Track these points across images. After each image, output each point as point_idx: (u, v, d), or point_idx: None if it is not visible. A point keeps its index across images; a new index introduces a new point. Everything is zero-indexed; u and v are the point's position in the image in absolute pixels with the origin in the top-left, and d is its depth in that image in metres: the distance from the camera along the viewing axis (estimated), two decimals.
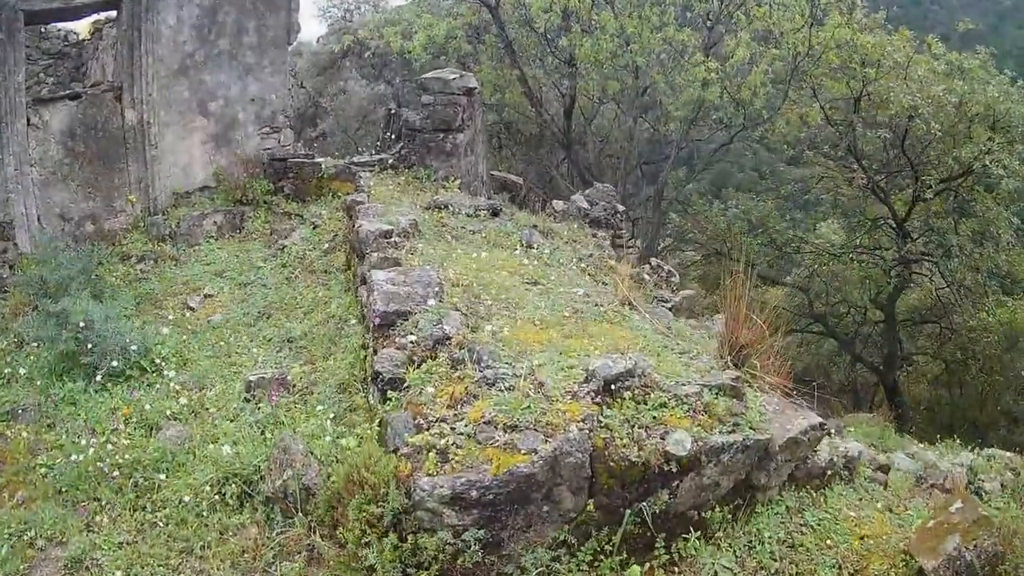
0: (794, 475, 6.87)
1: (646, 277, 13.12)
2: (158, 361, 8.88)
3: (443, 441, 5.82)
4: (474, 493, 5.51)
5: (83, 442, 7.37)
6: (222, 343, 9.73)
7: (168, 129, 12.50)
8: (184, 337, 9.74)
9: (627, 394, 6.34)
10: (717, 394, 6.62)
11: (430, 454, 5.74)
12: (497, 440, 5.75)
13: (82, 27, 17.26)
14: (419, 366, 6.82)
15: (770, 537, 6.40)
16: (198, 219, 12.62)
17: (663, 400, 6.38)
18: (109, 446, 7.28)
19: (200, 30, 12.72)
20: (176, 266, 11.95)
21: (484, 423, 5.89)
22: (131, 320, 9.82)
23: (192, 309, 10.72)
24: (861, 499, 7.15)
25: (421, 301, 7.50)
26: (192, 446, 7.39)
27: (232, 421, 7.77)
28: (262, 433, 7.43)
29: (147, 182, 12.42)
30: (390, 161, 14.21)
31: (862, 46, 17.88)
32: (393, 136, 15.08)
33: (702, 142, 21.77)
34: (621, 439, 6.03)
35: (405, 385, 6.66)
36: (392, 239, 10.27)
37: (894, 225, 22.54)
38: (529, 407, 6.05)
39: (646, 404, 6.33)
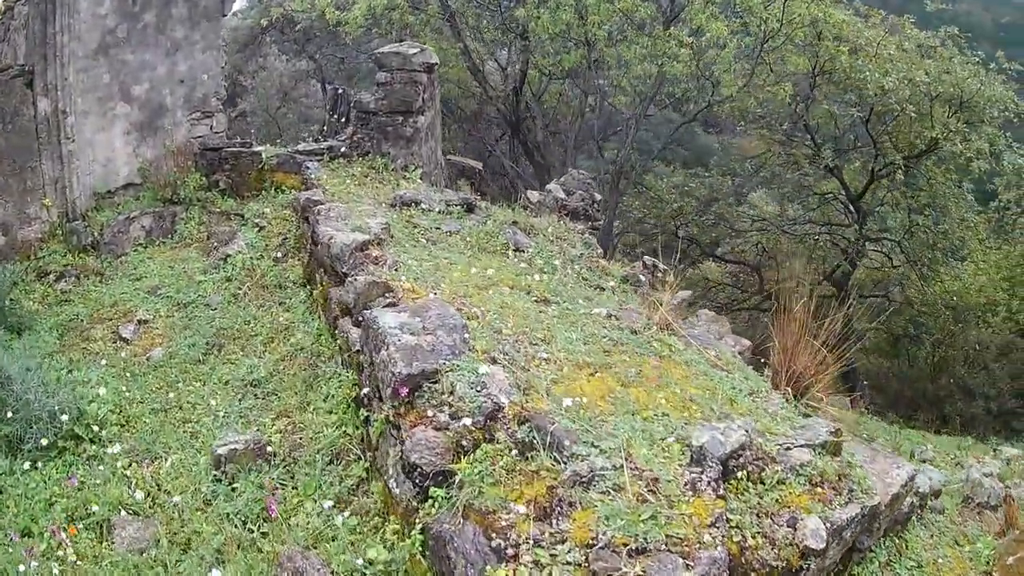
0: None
1: (641, 278, 11.51)
2: (95, 427, 6.84)
3: None
4: None
5: (15, 553, 5.38)
6: (169, 390, 7.75)
7: (86, 119, 10.29)
8: (122, 385, 7.72)
9: (741, 473, 5.16)
10: (821, 453, 5.62)
11: None
12: (626, 573, 4.05)
13: None
14: (471, 453, 5.05)
15: None
16: (124, 224, 10.49)
17: (780, 476, 5.26)
18: (54, 566, 5.27)
19: (123, 1, 10.50)
20: (102, 283, 9.87)
21: (600, 547, 4.19)
22: (56, 361, 7.80)
23: (126, 340, 8.70)
24: (932, 536, 6.61)
25: (449, 354, 5.68)
26: (160, 556, 5.43)
27: (204, 512, 5.85)
28: (251, 533, 5.54)
29: (64, 182, 10.24)
30: (342, 149, 12.23)
31: (834, 23, 16.62)
32: (342, 120, 13.10)
33: (662, 121, 20.21)
34: (754, 538, 4.80)
35: (455, 481, 4.90)
36: (370, 252, 8.44)
37: (845, 201, 21.80)
38: (653, 516, 4.40)
39: (763, 483, 5.22)
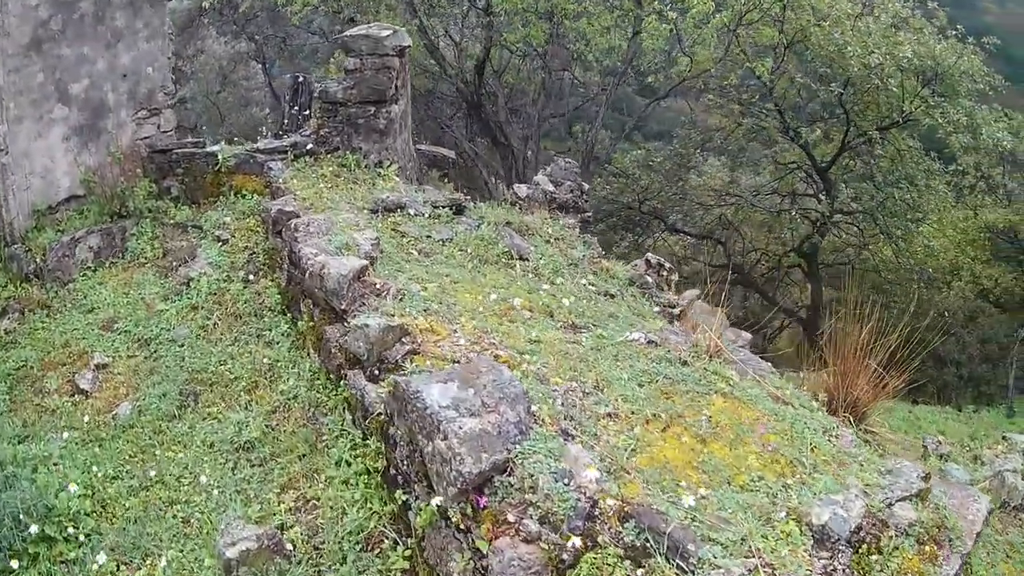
0: None
1: (648, 279, 10.43)
2: (69, 526, 5.47)
3: None
4: None
5: None
6: (146, 460, 6.41)
7: (20, 126, 8.71)
8: (90, 457, 6.34)
9: (864, 548, 4.53)
10: (917, 504, 5.05)
11: None
12: None
13: None
14: (574, 567, 3.91)
15: None
16: (68, 246, 9.01)
17: (895, 541, 4.67)
18: None
19: None
20: (50, 317, 8.40)
21: None
22: (7, 427, 6.43)
23: (85, 393, 7.32)
24: (987, 552, 6.38)
25: (517, 434, 4.49)
26: None
27: None
28: None
29: None
30: (308, 146, 10.84)
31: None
32: (304, 111, 11.67)
33: (624, 96, 19.10)
34: None
35: None
36: (368, 279, 7.19)
37: (807, 174, 21.17)
38: None
39: (880, 552, 4.59)
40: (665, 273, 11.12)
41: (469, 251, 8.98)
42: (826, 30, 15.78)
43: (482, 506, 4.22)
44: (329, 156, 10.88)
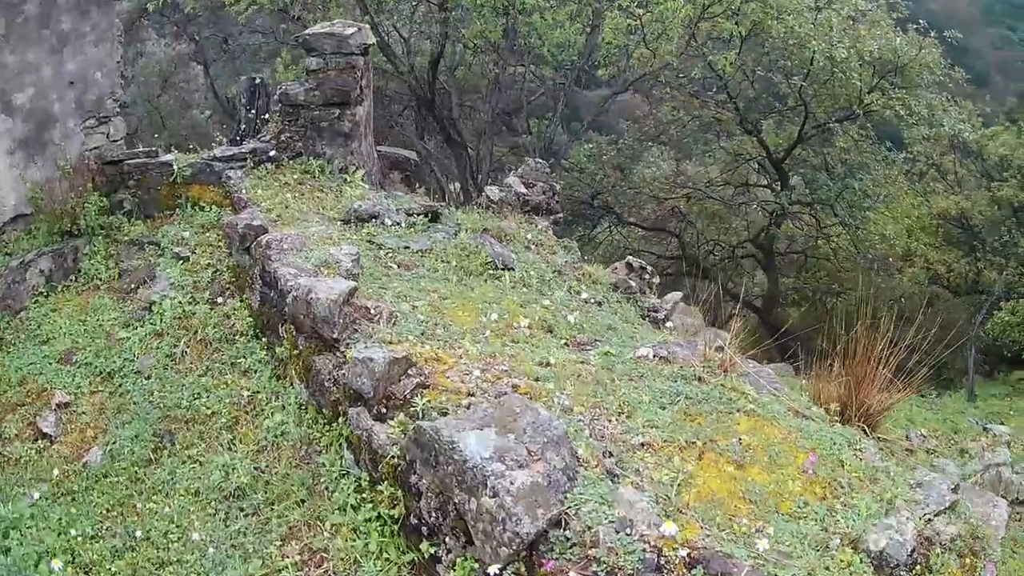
0: None
1: (632, 284, 9.99)
2: None
3: None
4: None
5: None
6: (126, 514, 5.75)
7: None
8: (64, 516, 5.66)
9: (916, 569, 4.50)
10: (952, 517, 4.97)
11: None
12: None
13: None
14: None
15: None
16: (18, 271, 8.23)
17: (941, 559, 4.61)
18: None
19: None
20: (2, 351, 7.65)
21: None
22: None
23: (50, 439, 6.61)
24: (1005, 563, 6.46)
25: (566, 480, 3.99)
26: None
27: None
28: None
29: None
30: (269, 152, 10.17)
31: None
32: (263, 116, 10.96)
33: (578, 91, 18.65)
34: None
35: None
36: (357, 302, 6.61)
37: (760, 164, 21.01)
38: None
39: (930, 571, 4.57)
40: (648, 276, 10.72)
41: (452, 262, 8.46)
42: (788, 23, 15.57)
43: (548, 569, 3.71)
44: (292, 162, 10.23)
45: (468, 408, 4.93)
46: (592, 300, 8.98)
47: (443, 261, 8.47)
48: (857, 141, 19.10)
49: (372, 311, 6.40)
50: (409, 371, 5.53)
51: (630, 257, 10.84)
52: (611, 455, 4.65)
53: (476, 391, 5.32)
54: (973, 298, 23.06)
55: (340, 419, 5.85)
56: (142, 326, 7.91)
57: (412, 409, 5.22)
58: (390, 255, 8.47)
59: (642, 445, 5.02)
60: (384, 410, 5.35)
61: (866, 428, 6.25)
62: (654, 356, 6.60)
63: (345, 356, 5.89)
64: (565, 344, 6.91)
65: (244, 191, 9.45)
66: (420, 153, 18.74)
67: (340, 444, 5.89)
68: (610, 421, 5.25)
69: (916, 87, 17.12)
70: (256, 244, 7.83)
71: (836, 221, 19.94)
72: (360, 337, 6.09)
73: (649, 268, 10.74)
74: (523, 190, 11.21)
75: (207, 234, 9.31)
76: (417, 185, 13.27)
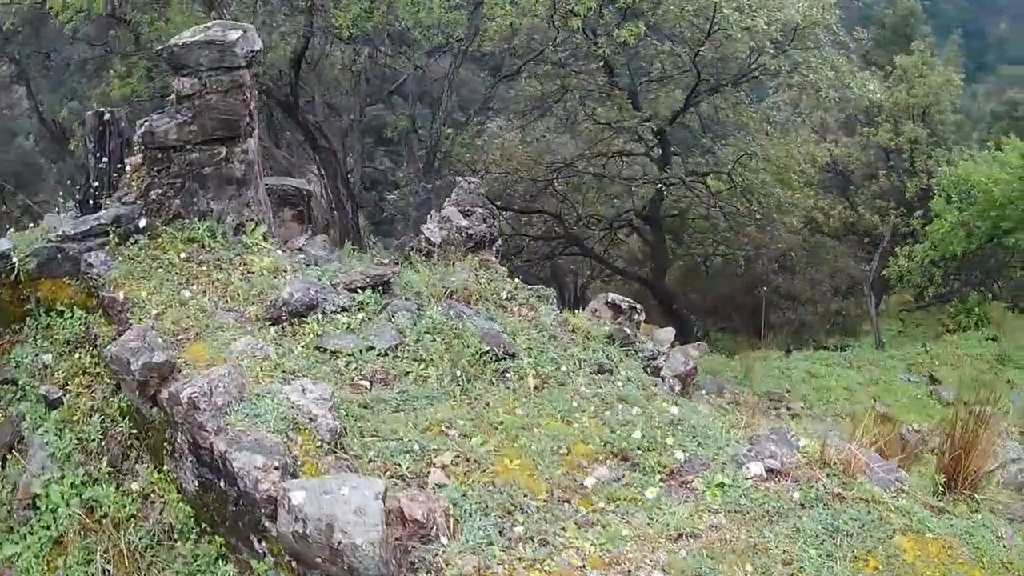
0: None
1: (627, 331, 7.85)
2: None
3: None
4: None
5: None
6: None
7: None
8: None
9: None
10: None
11: None
12: None
13: None
14: None
15: None
16: None
17: None
18: None
19: None
20: None
21: None
22: None
23: None
24: None
25: None
26: None
27: None
28: None
29: None
30: (138, 221, 7.32)
31: None
32: (118, 165, 7.94)
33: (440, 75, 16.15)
34: None
35: None
36: (396, 506, 4.15)
37: (639, 135, 19.35)
38: None
39: None
40: (637, 317, 8.65)
41: (440, 363, 6.09)
42: None
43: None
44: (169, 229, 7.43)
45: None
46: (599, 367, 6.85)
47: (427, 362, 6.09)
48: (736, 104, 17.96)
49: (423, 519, 3.99)
50: None
51: (612, 295, 8.71)
52: None
53: None
54: (857, 240, 22.44)
55: None
56: (31, 533, 5.17)
57: None
58: (354, 367, 6.01)
59: None
60: None
61: (972, 495, 5.58)
62: (765, 472, 4.86)
63: None
64: (661, 481, 4.81)
65: (114, 285, 6.67)
66: (281, 164, 15.90)
67: None
68: None
69: (817, 46, 16.16)
70: (171, 400, 5.14)
71: (730, 185, 18.52)
72: None
73: (637, 306, 8.65)
74: (463, 222, 8.85)
75: (75, 354, 6.53)
76: (308, 223, 10.59)
